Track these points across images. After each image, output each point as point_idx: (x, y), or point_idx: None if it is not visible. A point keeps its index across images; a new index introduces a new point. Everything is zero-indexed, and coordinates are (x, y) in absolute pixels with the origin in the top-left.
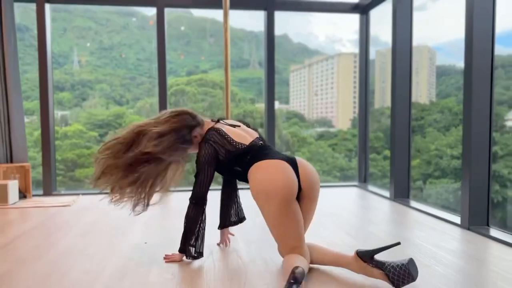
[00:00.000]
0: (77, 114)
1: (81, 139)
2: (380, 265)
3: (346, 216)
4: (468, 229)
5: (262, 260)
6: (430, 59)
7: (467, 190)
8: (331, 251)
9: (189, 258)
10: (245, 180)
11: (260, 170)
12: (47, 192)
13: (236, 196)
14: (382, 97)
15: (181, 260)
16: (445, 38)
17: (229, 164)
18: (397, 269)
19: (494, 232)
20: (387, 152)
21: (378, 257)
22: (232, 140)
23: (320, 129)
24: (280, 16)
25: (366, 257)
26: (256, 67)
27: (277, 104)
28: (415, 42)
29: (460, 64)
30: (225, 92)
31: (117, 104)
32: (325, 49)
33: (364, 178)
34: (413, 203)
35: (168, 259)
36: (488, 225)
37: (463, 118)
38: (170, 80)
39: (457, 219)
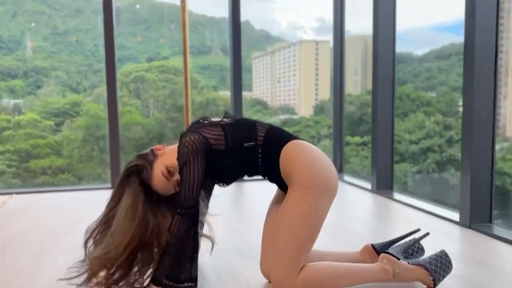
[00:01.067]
0: (31, 102)
1: (36, 129)
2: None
3: None
4: (470, 227)
5: None
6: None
7: (468, 182)
8: (330, 251)
9: None
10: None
11: (314, 153)
12: None
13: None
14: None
15: None
16: (401, 26)
17: (233, 145)
18: (435, 257)
19: (499, 231)
20: (349, 138)
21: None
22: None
23: (283, 117)
24: (242, 2)
25: (382, 251)
26: (218, 54)
27: None
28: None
29: (417, 51)
30: (184, 77)
31: (74, 92)
32: (287, 36)
33: (339, 168)
34: (400, 196)
35: None
36: (491, 222)
37: (463, 105)
38: (129, 66)
39: (454, 216)
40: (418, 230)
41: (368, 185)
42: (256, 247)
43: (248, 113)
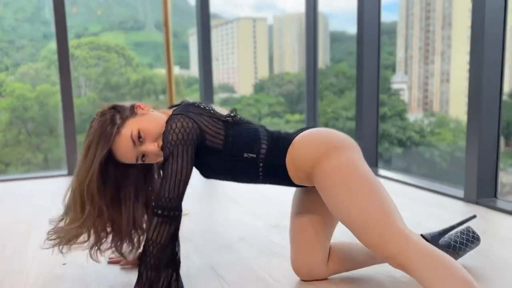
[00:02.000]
0: None
1: None
2: (447, 245)
3: None
4: (476, 203)
5: None
6: (324, 25)
7: (475, 158)
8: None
9: None
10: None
11: (313, 135)
12: None
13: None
14: (281, 63)
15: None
16: (336, 5)
17: (228, 150)
18: (460, 234)
19: (503, 204)
20: (289, 116)
21: None
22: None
23: (223, 95)
24: None
25: (434, 241)
26: (152, 30)
27: (177, 69)
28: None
29: (350, 30)
30: (166, 54)
31: None
32: (224, 13)
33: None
34: (392, 174)
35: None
36: (495, 197)
37: (469, 79)
38: (55, 43)
39: (452, 191)
40: (474, 216)
41: None
42: (266, 238)
43: (187, 92)
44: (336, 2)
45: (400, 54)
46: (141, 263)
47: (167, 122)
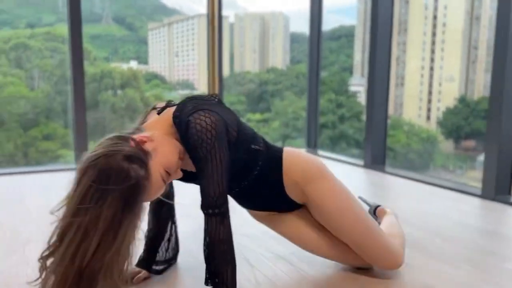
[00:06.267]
0: None
1: None
2: None
3: None
4: (494, 199)
5: None
6: (285, 26)
7: (494, 156)
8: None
9: None
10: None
11: (301, 154)
12: None
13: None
14: (241, 62)
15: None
16: (296, 6)
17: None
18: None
19: None
20: (250, 116)
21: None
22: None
23: (183, 92)
24: None
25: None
26: (109, 23)
27: (135, 64)
28: (270, 9)
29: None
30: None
31: None
32: (183, 8)
33: (314, 144)
34: (401, 172)
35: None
36: (510, 193)
37: (492, 79)
38: (6, 32)
39: (468, 188)
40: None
41: (351, 160)
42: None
43: (146, 88)
44: (296, 2)
45: (357, 57)
46: (215, 267)
47: (187, 124)
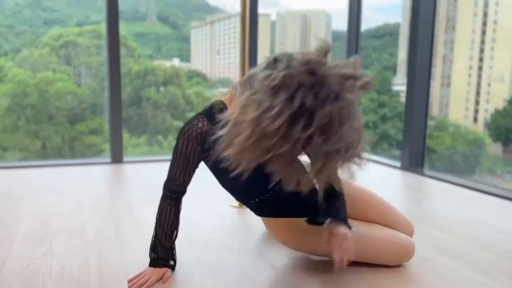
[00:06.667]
0: None
1: None
2: None
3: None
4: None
5: None
6: (327, 24)
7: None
8: None
9: None
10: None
11: None
12: None
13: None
14: None
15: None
16: (339, 3)
17: None
18: None
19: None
20: None
21: None
22: None
23: (223, 90)
24: None
25: None
26: (154, 21)
27: (177, 62)
28: (312, 6)
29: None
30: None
31: None
32: (226, 7)
33: None
34: (441, 175)
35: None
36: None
37: None
38: (57, 30)
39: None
40: None
41: (386, 161)
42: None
43: (187, 85)
44: (339, 1)
45: (401, 55)
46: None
47: None
